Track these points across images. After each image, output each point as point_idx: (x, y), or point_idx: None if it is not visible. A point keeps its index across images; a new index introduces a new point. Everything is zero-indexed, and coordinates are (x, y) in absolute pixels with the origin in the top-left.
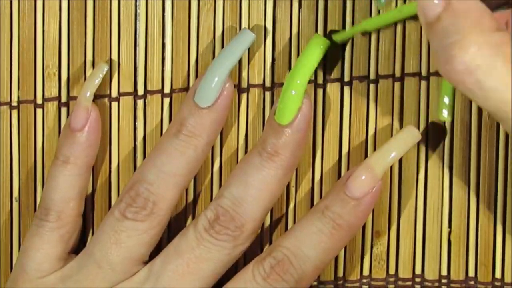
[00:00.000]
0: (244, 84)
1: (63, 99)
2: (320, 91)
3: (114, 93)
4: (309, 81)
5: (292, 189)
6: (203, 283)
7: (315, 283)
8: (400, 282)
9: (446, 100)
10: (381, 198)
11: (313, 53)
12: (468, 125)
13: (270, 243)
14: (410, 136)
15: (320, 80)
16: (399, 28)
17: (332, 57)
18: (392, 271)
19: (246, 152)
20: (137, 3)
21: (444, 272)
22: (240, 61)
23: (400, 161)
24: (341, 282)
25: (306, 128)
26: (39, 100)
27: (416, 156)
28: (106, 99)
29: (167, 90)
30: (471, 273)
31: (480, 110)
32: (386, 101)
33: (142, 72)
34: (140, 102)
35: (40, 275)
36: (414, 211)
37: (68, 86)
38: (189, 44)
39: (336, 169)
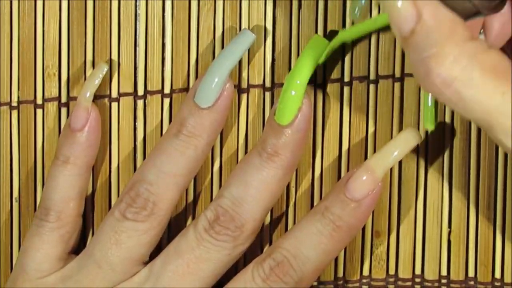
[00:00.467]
0: (244, 85)
1: (63, 99)
2: (320, 91)
3: (114, 93)
4: (309, 81)
5: (292, 189)
6: (203, 283)
7: (315, 283)
8: (400, 282)
9: (428, 110)
10: (381, 198)
11: (313, 53)
12: (468, 125)
13: (270, 243)
14: (410, 137)
15: (320, 80)
16: None
17: (332, 57)
18: (392, 271)
19: (246, 152)
20: (137, 3)
21: (444, 272)
22: (240, 62)
23: (400, 161)
24: (341, 282)
25: (306, 128)
26: (39, 101)
27: (416, 156)
28: (106, 99)
29: (167, 90)
30: (471, 273)
31: None
32: (386, 101)
33: (142, 72)
34: (140, 102)
35: (40, 275)
36: (414, 211)
37: (68, 86)
38: (189, 44)
39: (336, 169)
